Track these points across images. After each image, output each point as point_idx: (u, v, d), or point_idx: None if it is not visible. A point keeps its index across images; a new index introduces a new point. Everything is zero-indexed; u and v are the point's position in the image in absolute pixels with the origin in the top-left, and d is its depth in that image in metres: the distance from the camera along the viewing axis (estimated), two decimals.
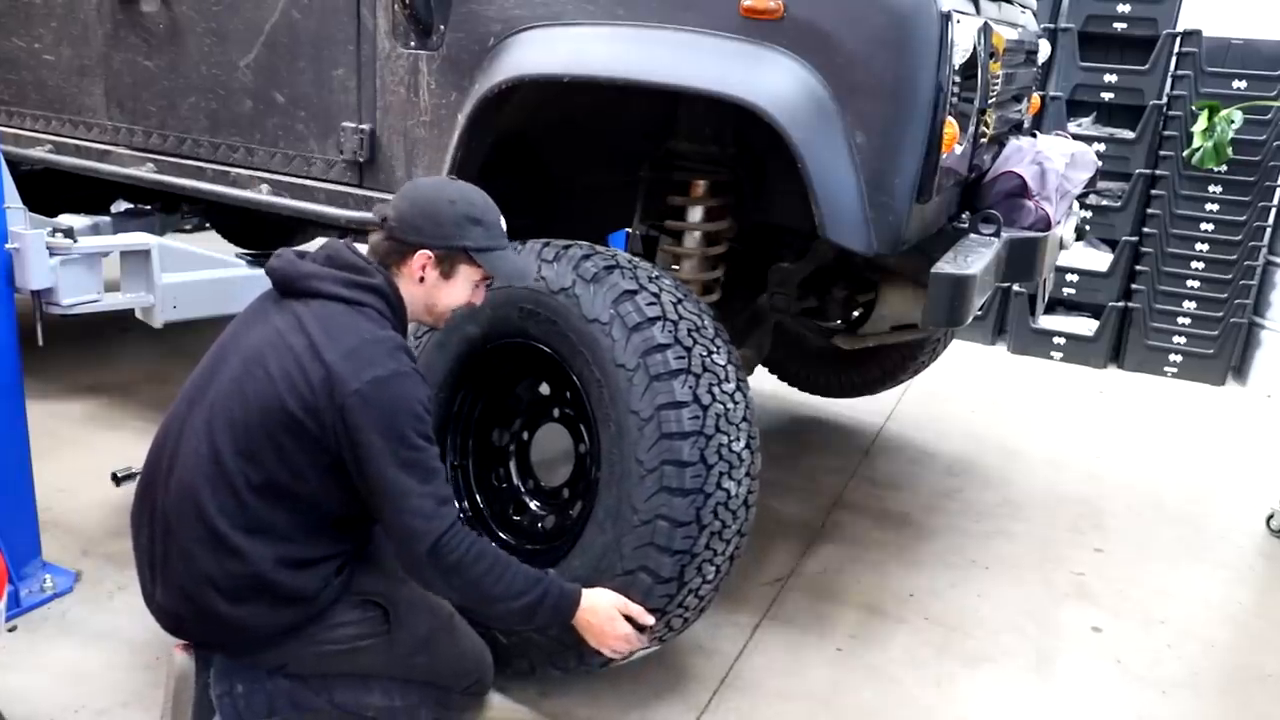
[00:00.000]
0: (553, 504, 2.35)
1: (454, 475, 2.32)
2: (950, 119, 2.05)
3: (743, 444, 2.04)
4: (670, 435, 1.94)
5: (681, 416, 1.95)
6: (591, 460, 2.20)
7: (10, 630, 2.31)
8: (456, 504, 1.83)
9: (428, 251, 1.87)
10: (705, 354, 2.03)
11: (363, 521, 1.94)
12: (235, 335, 1.91)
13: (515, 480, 2.38)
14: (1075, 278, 5.11)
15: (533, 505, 2.36)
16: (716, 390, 2.01)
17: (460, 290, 1.94)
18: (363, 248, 1.95)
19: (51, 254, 2.46)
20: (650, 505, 1.95)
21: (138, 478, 2.05)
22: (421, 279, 1.89)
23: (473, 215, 1.88)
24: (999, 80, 2.44)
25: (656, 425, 1.95)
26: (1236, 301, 4.87)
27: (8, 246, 2.31)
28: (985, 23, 2.23)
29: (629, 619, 1.97)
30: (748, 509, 2.08)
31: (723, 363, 2.06)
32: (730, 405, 2.03)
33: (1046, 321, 5.19)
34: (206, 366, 1.91)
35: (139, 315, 2.83)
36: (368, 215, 2.56)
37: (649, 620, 1.99)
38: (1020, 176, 2.48)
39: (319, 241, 2.01)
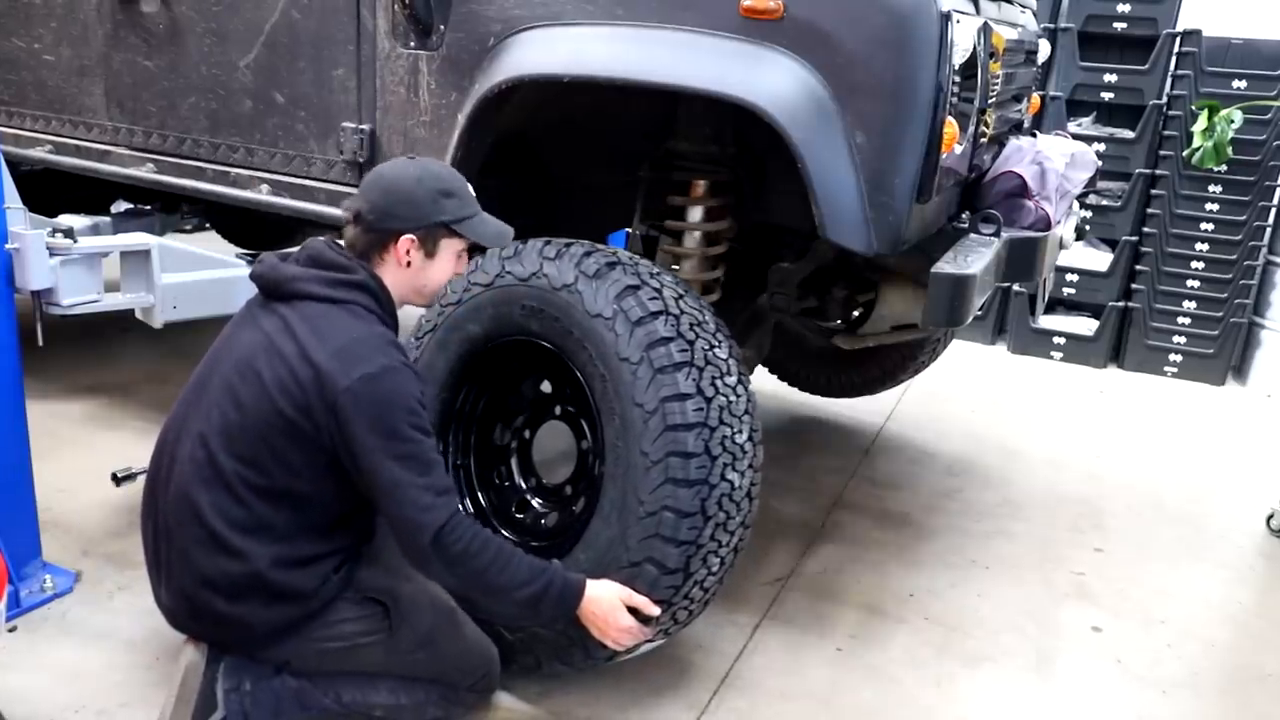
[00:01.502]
0: (555, 500, 2.35)
1: (456, 474, 2.33)
2: (950, 119, 2.05)
3: (745, 436, 2.05)
4: (675, 427, 1.96)
5: (686, 408, 1.96)
6: (595, 455, 2.20)
7: (10, 630, 2.31)
8: (457, 495, 1.84)
9: (410, 235, 1.89)
10: (707, 348, 2.04)
11: (362, 518, 1.96)
12: (227, 341, 1.93)
13: (517, 478, 2.39)
14: (1075, 277, 5.11)
15: (535, 503, 2.37)
16: (719, 383, 2.02)
17: (445, 265, 1.97)
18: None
19: (51, 254, 2.46)
20: (656, 497, 1.96)
21: (142, 478, 2.07)
22: (408, 263, 1.91)
23: (442, 188, 1.91)
24: (999, 80, 2.44)
25: (661, 417, 1.96)
26: (1236, 301, 4.87)
27: (8, 247, 2.31)
28: (985, 23, 2.23)
29: (634, 611, 1.97)
30: (751, 501, 2.09)
31: (724, 356, 2.07)
32: (733, 398, 2.04)
33: (1046, 321, 5.19)
34: (201, 372, 1.93)
35: (139, 315, 2.83)
36: None
37: (654, 611, 1.98)
38: (1020, 176, 2.48)
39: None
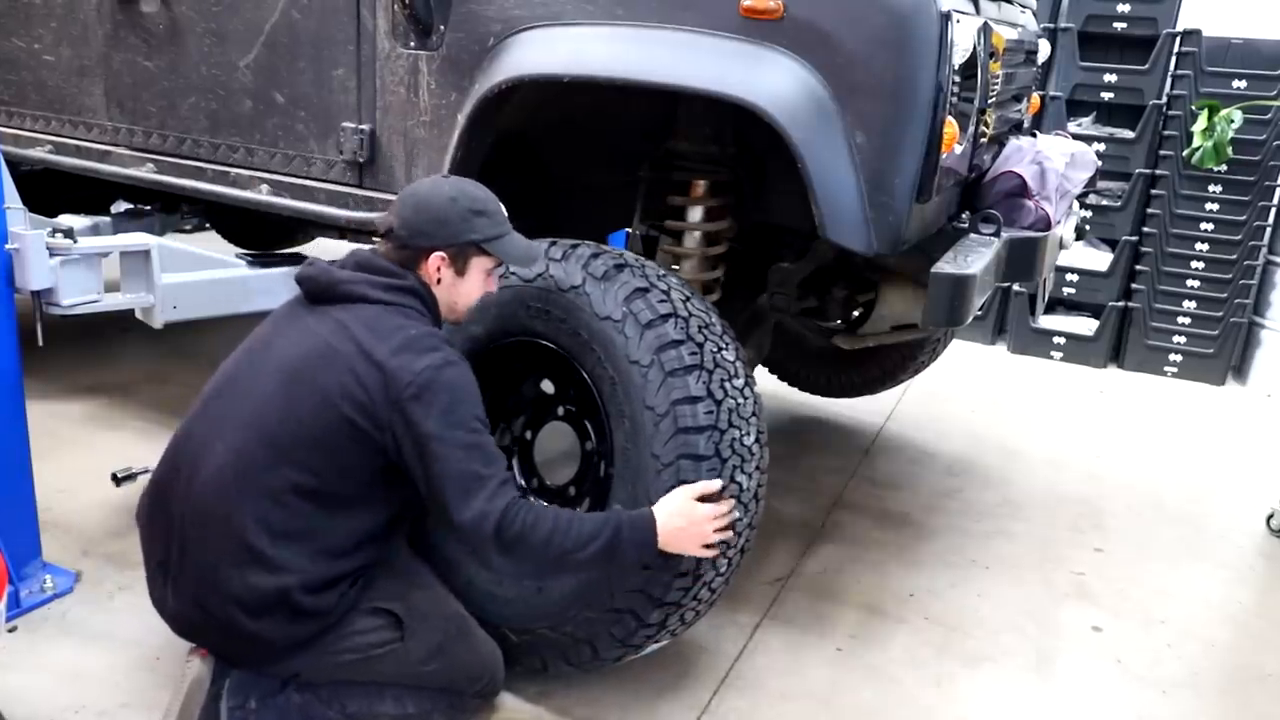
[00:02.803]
0: (558, 502, 2.35)
1: None
2: (950, 119, 2.04)
3: (753, 438, 2.06)
4: (686, 430, 1.97)
5: (697, 411, 1.97)
6: (600, 457, 2.20)
7: (10, 631, 2.31)
8: (514, 483, 1.87)
9: (440, 253, 1.92)
10: (716, 350, 2.05)
11: (387, 534, 1.96)
12: (267, 344, 1.91)
13: (519, 478, 2.38)
14: (1075, 277, 5.11)
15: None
16: (728, 385, 2.03)
17: (476, 282, 1.99)
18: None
19: (51, 254, 2.46)
20: None
21: (146, 480, 2.05)
22: (438, 280, 1.95)
23: (475, 208, 1.93)
24: (999, 80, 2.44)
25: (673, 420, 1.97)
26: (1236, 301, 4.86)
27: (8, 247, 2.31)
28: (985, 22, 2.23)
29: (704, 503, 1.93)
30: (757, 503, 2.10)
31: (732, 358, 2.08)
32: (741, 400, 2.05)
33: (1046, 321, 5.19)
34: (233, 375, 1.91)
35: (139, 316, 2.83)
36: (368, 215, 2.57)
37: (716, 486, 1.94)
38: (1020, 176, 2.48)
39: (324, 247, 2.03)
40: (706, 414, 1.98)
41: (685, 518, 1.89)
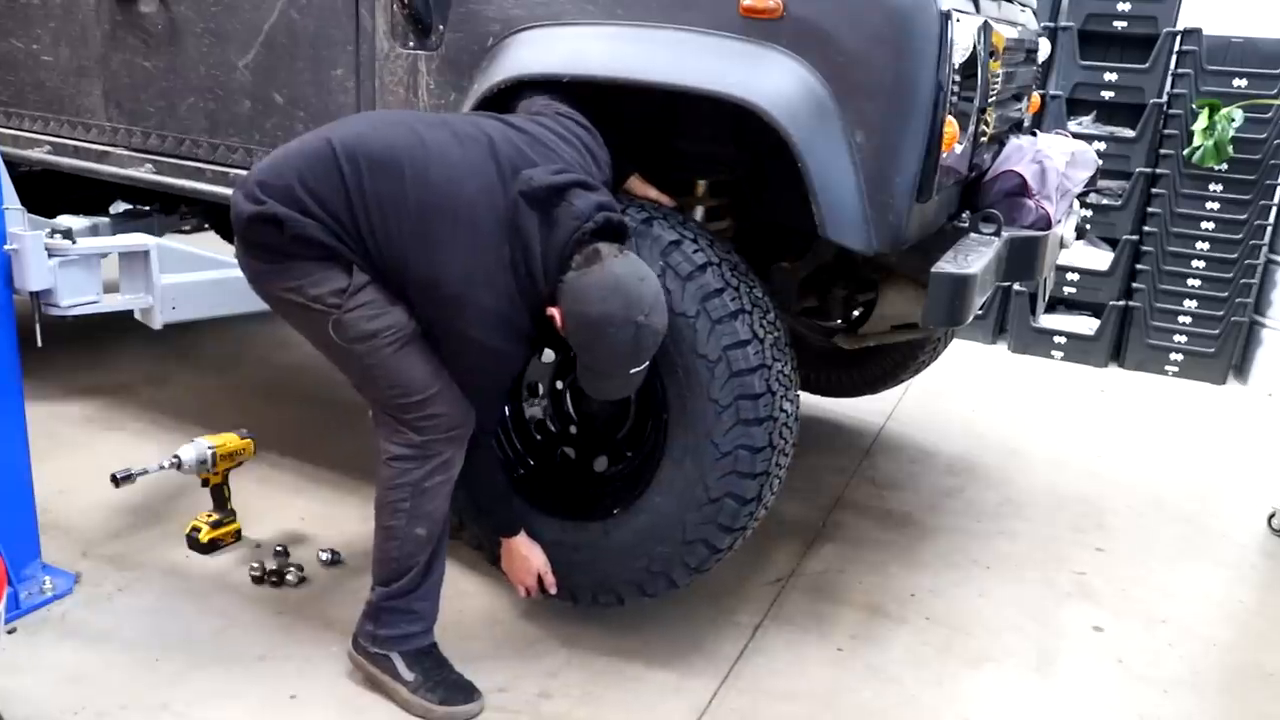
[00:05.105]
0: (602, 445, 2.50)
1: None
2: (950, 118, 2.04)
3: (789, 367, 2.24)
4: (740, 373, 2.09)
5: (748, 353, 2.10)
6: (654, 407, 2.30)
7: (10, 632, 2.31)
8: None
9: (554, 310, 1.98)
10: (749, 289, 2.16)
11: None
12: None
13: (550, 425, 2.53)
14: (1076, 277, 5.10)
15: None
16: (765, 322, 2.17)
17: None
18: None
19: (50, 255, 2.46)
20: (730, 438, 2.11)
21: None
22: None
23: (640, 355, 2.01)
24: (999, 79, 2.44)
25: (726, 365, 2.09)
26: (1237, 300, 4.86)
27: (6, 248, 2.31)
28: (985, 21, 2.22)
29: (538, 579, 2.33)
30: (795, 426, 2.32)
31: (762, 294, 2.21)
32: (776, 333, 2.20)
33: (1047, 320, 5.19)
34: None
35: (138, 316, 2.83)
36: None
37: (551, 587, 2.32)
38: (1020, 175, 2.47)
39: None
40: (756, 354, 2.11)
41: (522, 563, 2.30)
